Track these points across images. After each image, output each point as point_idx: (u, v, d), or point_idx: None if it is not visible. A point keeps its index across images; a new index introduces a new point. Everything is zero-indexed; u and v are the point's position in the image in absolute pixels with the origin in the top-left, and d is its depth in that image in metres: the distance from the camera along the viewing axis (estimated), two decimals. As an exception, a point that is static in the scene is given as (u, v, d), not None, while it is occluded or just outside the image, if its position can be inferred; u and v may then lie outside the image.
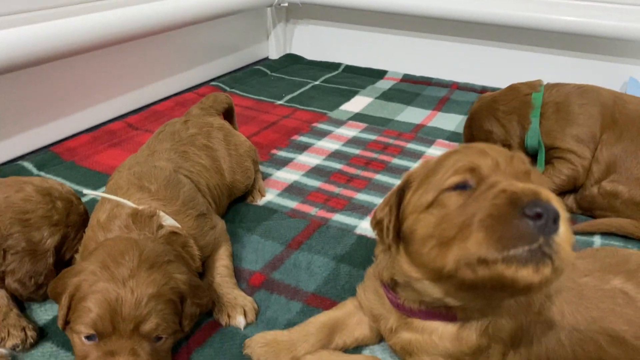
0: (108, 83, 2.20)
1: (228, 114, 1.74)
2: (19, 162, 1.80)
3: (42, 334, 1.11)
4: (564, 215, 0.70)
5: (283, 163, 1.90)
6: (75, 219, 1.19)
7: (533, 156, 1.72)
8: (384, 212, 0.89)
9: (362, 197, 1.71)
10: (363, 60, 3.09)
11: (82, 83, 2.09)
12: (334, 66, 3.08)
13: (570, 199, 1.66)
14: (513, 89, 1.79)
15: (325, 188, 1.75)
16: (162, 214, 1.13)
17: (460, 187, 0.78)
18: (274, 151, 2.00)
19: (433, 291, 0.86)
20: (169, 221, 1.12)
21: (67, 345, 1.07)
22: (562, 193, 1.67)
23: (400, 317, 0.97)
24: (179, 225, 1.15)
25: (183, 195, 1.22)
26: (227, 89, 2.62)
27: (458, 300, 0.85)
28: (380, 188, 1.76)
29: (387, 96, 2.64)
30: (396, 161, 1.96)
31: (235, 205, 1.62)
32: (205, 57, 2.76)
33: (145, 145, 1.45)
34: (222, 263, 1.25)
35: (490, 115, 1.77)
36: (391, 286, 0.96)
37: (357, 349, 1.11)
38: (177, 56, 2.57)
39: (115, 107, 2.26)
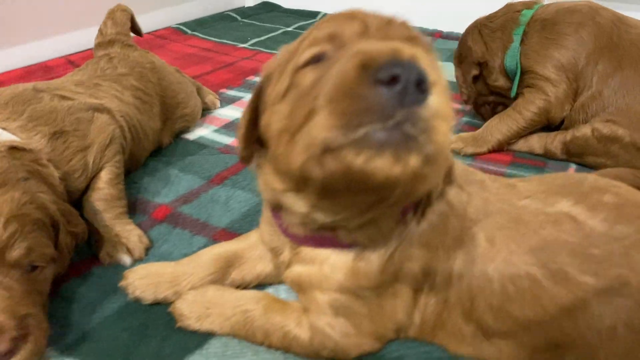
0: (53, 18, 2.01)
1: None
2: None
3: None
4: (436, 79, 0.49)
5: (230, 101, 1.72)
6: None
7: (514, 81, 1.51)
8: (244, 117, 0.70)
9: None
10: (343, 7, 2.87)
11: (25, 16, 1.90)
12: (311, 14, 2.87)
13: (556, 141, 1.43)
14: (508, 5, 1.56)
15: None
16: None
17: (318, 60, 0.58)
18: (224, 90, 1.81)
19: (298, 205, 0.67)
20: (9, 136, 0.90)
21: None
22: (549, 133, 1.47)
23: (292, 247, 0.79)
24: (24, 141, 0.92)
25: (31, 111, 0.97)
26: (188, 31, 2.43)
27: (328, 215, 0.66)
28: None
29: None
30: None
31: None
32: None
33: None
34: (99, 192, 1.03)
35: (475, 30, 1.56)
36: (277, 209, 0.77)
37: (259, 287, 0.94)
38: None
39: (57, 47, 2.06)
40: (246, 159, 0.72)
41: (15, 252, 0.74)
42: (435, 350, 0.81)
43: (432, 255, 0.76)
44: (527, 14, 1.49)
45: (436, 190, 0.71)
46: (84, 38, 2.11)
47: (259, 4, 3.00)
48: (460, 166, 0.83)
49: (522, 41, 1.47)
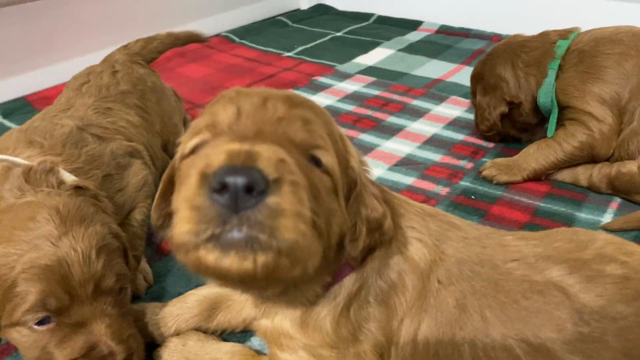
0: (100, 31, 2.10)
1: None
2: (-12, 109, 1.75)
3: None
4: (281, 175, 0.51)
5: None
6: None
7: (548, 119, 1.40)
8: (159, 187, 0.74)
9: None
10: (398, 10, 2.78)
11: (73, 29, 1.99)
12: (364, 17, 2.80)
13: (601, 175, 1.30)
14: (543, 35, 1.43)
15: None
16: (61, 169, 0.95)
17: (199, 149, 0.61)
18: (258, 105, 1.80)
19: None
20: (70, 178, 0.94)
21: None
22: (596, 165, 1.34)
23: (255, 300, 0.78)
24: (84, 182, 0.96)
25: (86, 154, 1.03)
26: (236, 39, 2.44)
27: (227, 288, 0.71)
28: (360, 148, 1.51)
29: (412, 49, 2.35)
30: (392, 119, 1.70)
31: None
32: (228, 5, 2.59)
33: (63, 97, 1.25)
34: (128, 228, 1.06)
35: (509, 60, 1.43)
36: None
37: (246, 334, 0.92)
38: (192, 2, 2.41)
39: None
40: (159, 227, 0.73)
41: (109, 280, 0.80)
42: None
43: (391, 316, 0.72)
44: (563, 45, 1.37)
45: (355, 255, 0.69)
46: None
47: (313, 7, 2.97)
48: (439, 223, 0.78)
49: (557, 75, 1.35)
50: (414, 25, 2.65)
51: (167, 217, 0.71)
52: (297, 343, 0.73)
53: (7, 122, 1.67)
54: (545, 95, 1.38)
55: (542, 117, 1.45)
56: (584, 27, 1.43)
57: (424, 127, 1.66)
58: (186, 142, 0.63)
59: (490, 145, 1.55)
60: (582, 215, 1.25)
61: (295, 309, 0.72)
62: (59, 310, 0.75)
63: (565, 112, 1.35)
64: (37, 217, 0.79)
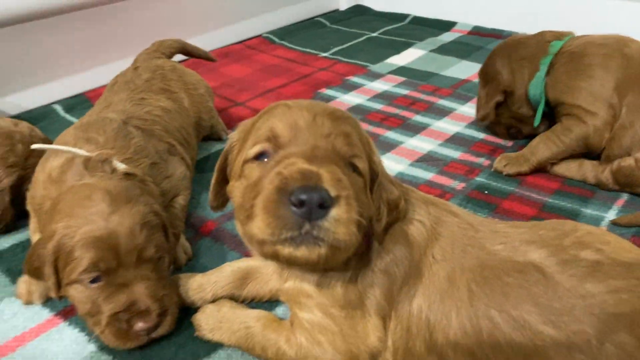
0: (152, 32, 2.28)
1: (190, 55, 1.79)
2: (51, 105, 1.95)
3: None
4: (339, 193, 0.70)
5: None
6: (35, 162, 1.22)
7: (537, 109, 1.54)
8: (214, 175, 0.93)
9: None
10: (434, 10, 2.87)
11: (127, 30, 2.17)
12: (400, 17, 2.90)
13: (606, 171, 1.39)
14: (540, 34, 1.57)
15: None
16: (114, 159, 1.12)
17: (261, 156, 0.79)
18: (293, 103, 1.94)
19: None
20: (122, 166, 1.11)
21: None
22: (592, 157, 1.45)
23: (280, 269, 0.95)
24: (133, 169, 1.14)
25: (134, 145, 1.20)
26: (277, 40, 2.59)
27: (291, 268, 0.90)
28: (385, 145, 1.65)
29: (444, 49, 2.44)
30: (417, 118, 1.81)
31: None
32: (269, 6, 2.74)
33: (102, 98, 1.43)
34: (171, 210, 1.24)
35: (505, 55, 1.59)
36: None
37: (272, 304, 1.07)
38: (237, 4, 2.57)
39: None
40: (216, 208, 0.95)
41: (149, 250, 0.97)
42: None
43: (392, 284, 0.86)
44: (557, 45, 1.49)
45: (378, 236, 0.86)
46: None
47: (351, 8, 3.08)
48: (438, 210, 0.92)
49: (548, 72, 1.47)
50: (447, 26, 2.73)
51: (222, 200, 0.95)
52: (313, 302, 0.88)
53: (68, 116, 1.86)
54: (535, 88, 1.51)
55: (535, 110, 1.55)
56: (610, 30, 1.54)
57: (447, 126, 1.76)
58: (248, 149, 0.81)
59: (509, 144, 1.65)
60: (588, 211, 1.33)
61: (313, 273, 0.87)
62: (107, 272, 0.93)
63: (560, 109, 1.46)
64: (92, 196, 0.96)
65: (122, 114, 1.28)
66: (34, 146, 1.16)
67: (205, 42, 2.47)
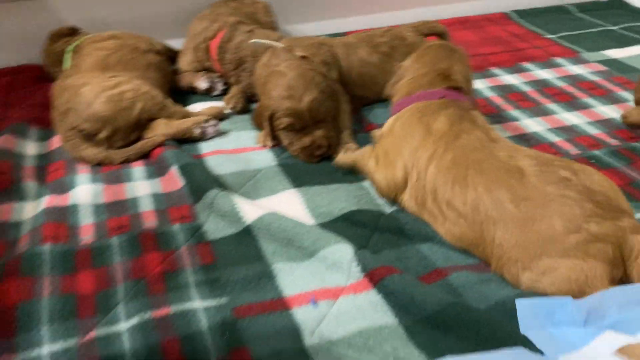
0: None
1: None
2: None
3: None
4: None
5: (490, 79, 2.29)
6: None
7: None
8: None
9: (518, 116, 2.01)
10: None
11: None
12: (650, 15, 2.91)
13: None
14: None
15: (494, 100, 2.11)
16: (295, 48, 1.77)
17: None
18: (492, 68, 2.37)
19: None
20: (300, 52, 1.75)
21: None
22: None
23: None
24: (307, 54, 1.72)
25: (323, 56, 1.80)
26: (516, 18, 2.92)
27: None
28: (544, 117, 1.97)
29: (674, 55, 2.48)
30: (588, 100, 2.07)
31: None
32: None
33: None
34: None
35: None
36: None
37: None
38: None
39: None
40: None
41: (325, 114, 1.65)
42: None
43: (417, 148, 1.39)
44: None
45: None
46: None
47: (610, 0, 3.15)
48: (469, 119, 1.41)
49: None
50: (699, 33, 2.68)
51: None
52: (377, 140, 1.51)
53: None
54: None
55: None
56: None
57: (610, 112, 1.99)
58: None
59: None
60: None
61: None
62: (298, 127, 1.64)
63: None
64: (288, 75, 1.64)
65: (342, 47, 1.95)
66: (252, 41, 1.89)
67: (449, 12, 2.98)
